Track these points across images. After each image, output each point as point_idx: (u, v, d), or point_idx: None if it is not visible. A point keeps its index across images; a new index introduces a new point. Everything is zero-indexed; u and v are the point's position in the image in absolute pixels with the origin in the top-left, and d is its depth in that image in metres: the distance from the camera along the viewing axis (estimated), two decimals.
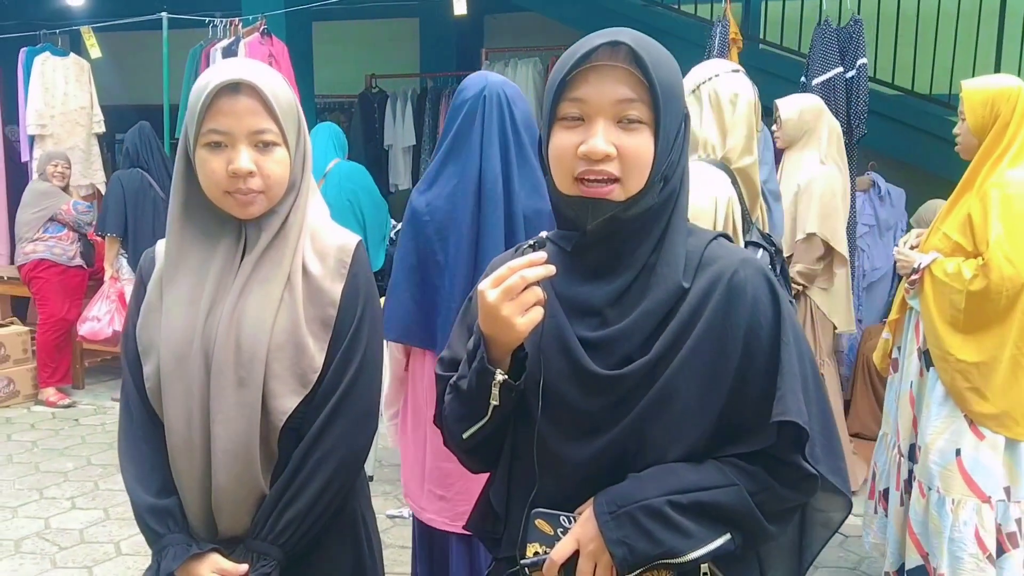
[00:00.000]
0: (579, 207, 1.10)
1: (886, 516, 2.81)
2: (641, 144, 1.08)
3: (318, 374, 1.37)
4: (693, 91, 2.15)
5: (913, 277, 2.62)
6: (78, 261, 5.36)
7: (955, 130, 2.66)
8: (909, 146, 5.20)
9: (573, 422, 1.13)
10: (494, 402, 1.11)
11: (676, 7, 6.07)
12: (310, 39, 6.71)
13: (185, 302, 1.37)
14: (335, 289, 1.40)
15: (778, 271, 2.14)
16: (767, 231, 2.28)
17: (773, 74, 5.32)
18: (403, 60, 8.33)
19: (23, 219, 5.27)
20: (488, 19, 8.23)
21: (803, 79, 4.57)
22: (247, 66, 1.34)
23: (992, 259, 2.42)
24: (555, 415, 1.13)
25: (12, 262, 5.83)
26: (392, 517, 3.75)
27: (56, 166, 5.35)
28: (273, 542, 1.36)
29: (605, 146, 1.06)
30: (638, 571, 1.10)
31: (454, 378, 1.19)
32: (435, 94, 7.75)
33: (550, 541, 1.14)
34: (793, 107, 3.68)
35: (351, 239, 1.45)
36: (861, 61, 4.36)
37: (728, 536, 1.11)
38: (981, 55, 5.20)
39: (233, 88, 1.31)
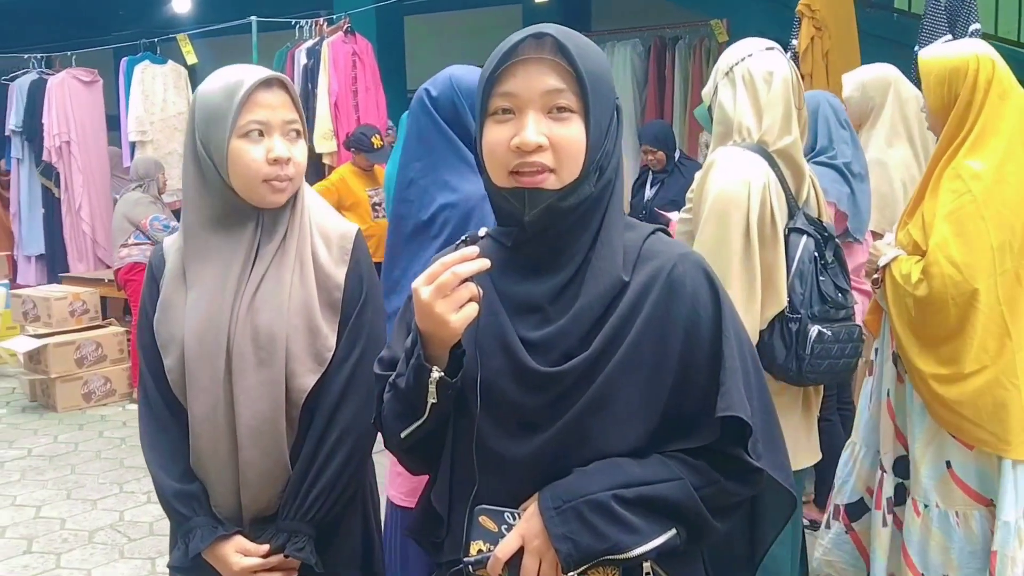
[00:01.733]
0: (515, 197, 1.10)
1: (845, 533, 2.53)
2: (572, 133, 1.08)
3: (332, 352, 1.47)
4: (727, 73, 2.06)
5: (875, 275, 2.31)
6: None
7: (920, 108, 2.31)
8: None
9: (513, 419, 1.13)
10: (431, 400, 1.11)
11: None
12: (402, 34, 6.66)
13: (210, 293, 1.45)
14: (339, 273, 1.50)
15: (830, 259, 1.98)
16: (821, 215, 2.09)
17: (882, 37, 4.70)
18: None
19: (116, 226, 5.53)
20: (595, 0, 7.89)
21: (916, 48, 3.98)
22: (261, 68, 1.45)
23: (933, 263, 2.10)
24: (494, 413, 1.13)
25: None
26: None
27: (163, 178, 5.57)
28: (303, 519, 1.45)
29: (536, 137, 1.07)
30: (583, 568, 1.10)
31: (392, 376, 1.18)
32: None
33: (494, 539, 1.13)
34: (855, 82, 3.20)
35: (350, 227, 1.56)
36: (974, 27, 3.75)
37: (673, 531, 1.11)
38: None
39: (267, 84, 1.42)
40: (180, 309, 1.46)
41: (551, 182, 1.08)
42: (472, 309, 1.06)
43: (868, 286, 2.43)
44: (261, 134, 1.41)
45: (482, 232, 1.15)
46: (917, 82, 2.43)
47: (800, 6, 4.37)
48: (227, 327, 1.43)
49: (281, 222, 1.46)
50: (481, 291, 1.08)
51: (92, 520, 3.82)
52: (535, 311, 1.13)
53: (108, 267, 6.54)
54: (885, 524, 2.39)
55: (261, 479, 1.45)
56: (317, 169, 5.50)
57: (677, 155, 4.82)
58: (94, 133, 6.68)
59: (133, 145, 6.29)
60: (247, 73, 1.42)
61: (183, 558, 1.45)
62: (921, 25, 3.99)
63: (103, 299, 6.01)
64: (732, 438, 1.10)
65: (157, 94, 6.33)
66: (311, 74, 5.59)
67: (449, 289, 1.04)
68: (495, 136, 1.10)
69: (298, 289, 1.45)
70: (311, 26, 5.82)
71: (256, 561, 1.45)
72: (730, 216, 1.90)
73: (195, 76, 6.64)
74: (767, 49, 2.04)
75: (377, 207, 5.44)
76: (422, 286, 1.06)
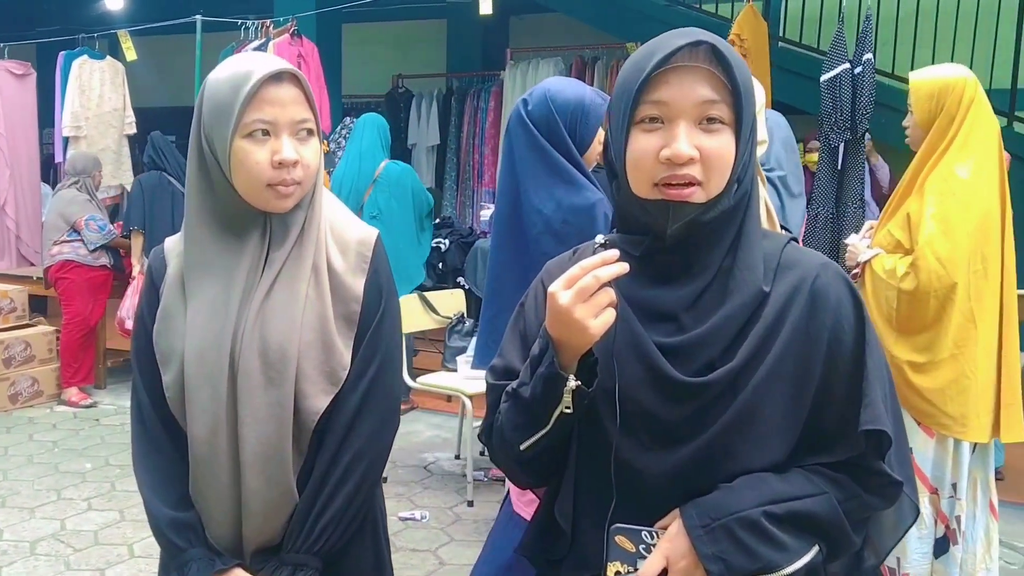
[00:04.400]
0: (659, 211, 1.06)
1: None
2: (723, 145, 1.05)
3: (347, 371, 1.34)
4: None
5: (855, 271, 2.57)
6: (103, 261, 5.45)
7: (904, 122, 2.58)
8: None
9: (651, 432, 1.08)
10: (567, 410, 1.06)
11: (698, 6, 6.13)
12: (339, 40, 6.86)
13: (211, 306, 1.32)
14: (357, 284, 1.37)
15: None
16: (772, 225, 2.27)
17: (793, 72, 5.37)
18: (430, 60, 8.46)
19: (49, 223, 5.42)
20: (513, 20, 8.32)
21: (821, 78, 4.62)
22: (274, 57, 1.32)
23: (921, 258, 2.36)
24: (631, 424, 1.07)
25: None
26: (404, 519, 3.73)
27: (97, 175, 5.54)
28: (309, 550, 1.33)
29: (689, 149, 1.03)
30: None
31: (512, 386, 1.12)
32: (460, 94, 7.86)
33: (631, 559, 1.08)
34: None
35: (370, 232, 1.42)
36: (867, 56, 4.38)
37: (817, 548, 1.07)
38: (1002, 47, 5.20)
39: (277, 78, 1.27)
40: (182, 320, 1.33)
41: (697, 196, 1.05)
42: (611, 315, 1.02)
43: None
44: (267, 133, 1.27)
45: (600, 239, 1.09)
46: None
47: (731, 35, 4.97)
48: (232, 342, 1.30)
49: (293, 227, 1.33)
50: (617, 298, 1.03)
51: (32, 530, 3.63)
52: (668, 319, 1.09)
53: (32, 264, 6.38)
54: None
55: (265, 509, 1.33)
56: None
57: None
58: (24, 127, 6.49)
59: (66, 140, 6.17)
60: (256, 64, 1.27)
61: None
62: (827, 54, 4.61)
63: (31, 297, 5.84)
64: (871, 450, 1.07)
65: (94, 90, 6.23)
66: None
67: (589, 294, 1.00)
68: (642, 145, 1.05)
69: (313, 301, 1.33)
70: (257, 27, 5.92)
71: None
72: None
73: (133, 73, 6.66)
74: None
75: None
76: (560, 290, 1.02)
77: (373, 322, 1.37)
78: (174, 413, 1.35)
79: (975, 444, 2.47)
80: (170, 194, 5.39)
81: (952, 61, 5.25)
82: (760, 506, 1.04)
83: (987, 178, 2.41)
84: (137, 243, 5.37)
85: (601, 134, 2.19)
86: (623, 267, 1.01)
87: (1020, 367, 2.52)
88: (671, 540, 1.06)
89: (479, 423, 4.48)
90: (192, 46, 5.93)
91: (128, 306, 5.32)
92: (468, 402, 3.86)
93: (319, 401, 1.33)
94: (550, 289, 1.04)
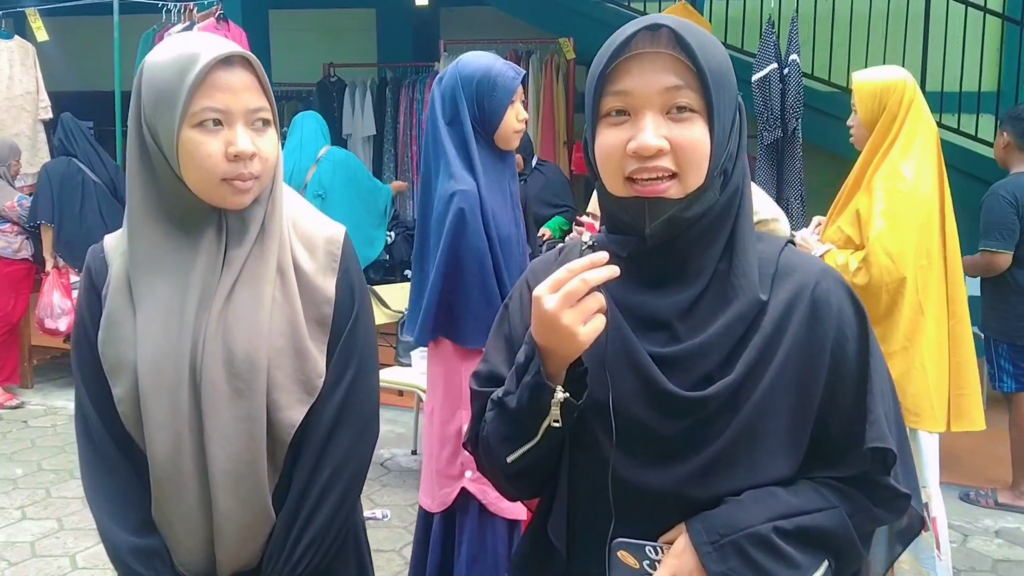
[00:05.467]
0: (634, 209, 1.00)
1: None
2: (694, 134, 0.98)
3: (323, 379, 1.26)
4: None
5: None
6: (24, 254, 5.24)
7: (848, 122, 2.65)
8: (842, 140, 5.37)
9: (648, 447, 1.03)
10: (555, 423, 1.00)
11: (627, 4, 6.16)
12: (267, 27, 6.69)
13: (165, 311, 1.21)
14: (328, 285, 1.28)
15: None
16: None
17: None
18: (361, 50, 8.32)
19: None
20: (445, 11, 8.27)
21: (751, 80, 4.70)
22: (221, 39, 1.22)
23: (872, 253, 2.43)
24: (626, 439, 1.02)
25: None
26: (366, 519, 3.70)
27: (16, 164, 5.27)
28: (291, 573, 1.25)
29: (656, 140, 0.97)
30: None
31: (497, 394, 1.07)
32: (395, 84, 7.76)
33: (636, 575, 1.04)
34: None
35: (338, 229, 1.34)
36: (792, 57, 4.49)
37: (827, 564, 1.04)
38: (909, 53, 5.39)
39: (227, 62, 1.17)
40: (130, 326, 1.22)
41: (673, 191, 0.99)
42: (600, 322, 0.97)
43: None
44: (219, 123, 1.16)
45: (587, 238, 1.05)
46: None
47: None
48: (191, 351, 1.20)
49: (251, 223, 1.23)
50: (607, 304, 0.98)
51: None
52: (661, 327, 1.03)
53: None
54: None
55: (240, 531, 1.25)
56: None
57: (534, 161, 5.31)
58: None
59: None
60: (203, 47, 1.16)
61: None
62: (756, 55, 4.70)
63: None
64: (877, 465, 1.04)
65: (2, 71, 5.92)
66: None
67: (577, 298, 0.95)
68: (609, 140, 1.00)
69: (280, 304, 1.24)
70: (180, 10, 5.72)
71: None
72: None
73: (45, 55, 6.37)
74: None
75: None
76: (546, 294, 0.96)
77: (347, 325, 1.29)
78: (129, 429, 1.24)
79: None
80: (79, 183, 5.18)
81: (865, 65, 5.50)
82: (770, 521, 1.00)
83: (928, 175, 2.51)
84: (47, 238, 5.15)
85: (520, 110, 2.19)
86: (613, 270, 0.96)
87: (973, 358, 2.61)
88: (678, 556, 1.01)
89: None
90: (110, 28, 5.70)
91: (45, 304, 5.10)
92: (424, 397, 3.79)
93: (294, 412, 1.24)
94: (535, 292, 0.98)
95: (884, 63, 5.19)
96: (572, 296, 0.95)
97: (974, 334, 2.66)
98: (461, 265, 2.14)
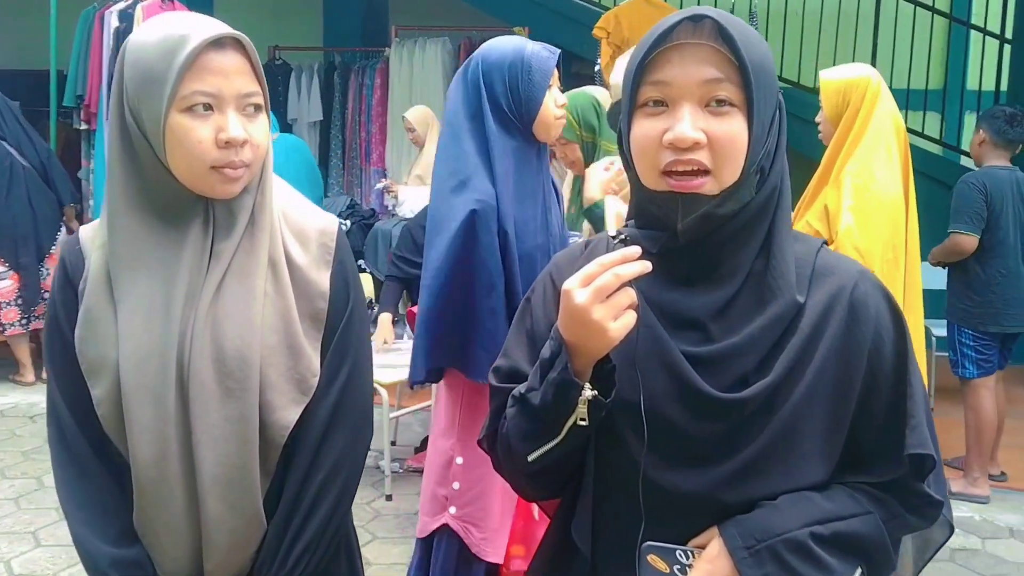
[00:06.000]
0: (667, 203, 0.98)
1: None
2: (733, 128, 0.96)
3: (318, 378, 1.21)
4: None
5: None
6: None
7: (816, 118, 2.70)
8: (797, 136, 5.44)
9: (680, 449, 1.00)
10: (581, 421, 0.97)
11: None
12: (211, 7, 6.46)
13: (148, 307, 1.15)
14: (323, 279, 1.23)
15: None
16: None
17: None
18: (306, 33, 8.10)
19: None
20: None
21: None
22: (210, 19, 1.16)
23: (841, 248, 2.42)
24: (657, 440, 0.99)
25: None
26: None
27: None
28: None
29: (693, 132, 0.95)
30: None
31: (519, 390, 1.04)
32: (344, 69, 7.59)
33: None
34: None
35: (331, 220, 1.29)
36: None
37: (860, 571, 1.03)
38: (860, 52, 5.50)
39: (218, 44, 1.11)
40: (111, 323, 1.16)
41: (708, 187, 0.97)
42: (631, 318, 0.94)
43: None
44: (209, 108, 1.11)
45: (613, 233, 1.02)
46: None
47: (596, 30, 4.96)
48: (178, 349, 1.14)
49: (240, 214, 1.17)
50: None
51: None
52: (694, 327, 1.01)
53: None
54: None
55: (231, 539, 1.19)
56: None
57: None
58: None
59: None
60: (193, 27, 1.11)
61: None
62: None
63: None
64: (913, 471, 1.04)
65: None
66: (123, 39, 5.31)
67: (608, 293, 0.93)
68: (645, 131, 0.98)
69: (273, 299, 1.18)
70: None
71: None
72: None
73: None
74: None
75: None
76: (576, 288, 0.94)
77: (342, 321, 1.24)
78: (109, 433, 1.18)
79: None
80: (7, 167, 4.92)
81: (816, 62, 5.58)
82: (806, 527, 0.99)
83: (893, 170, 2.55)
84: None
85: (557, 95, 1.99)
86: (645, 265, 0.94)
87: (923, 352, 2.62)
88: (711, 561, 0.99)
89: (395, 413, 4.36)
90: (46, 5, 5.44)
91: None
92: (384, 392, 3.71)
93: (288, 413, 1.19)
94: (564, 286, 0.95)
95: (835, 61, 5.30)
96: (603, 291, 0.93)
97: (928, 328, 2.72)
98: (471, 287, 1.91)
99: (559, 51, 2.00)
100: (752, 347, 0.99)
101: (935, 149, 5.99)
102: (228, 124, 1.11)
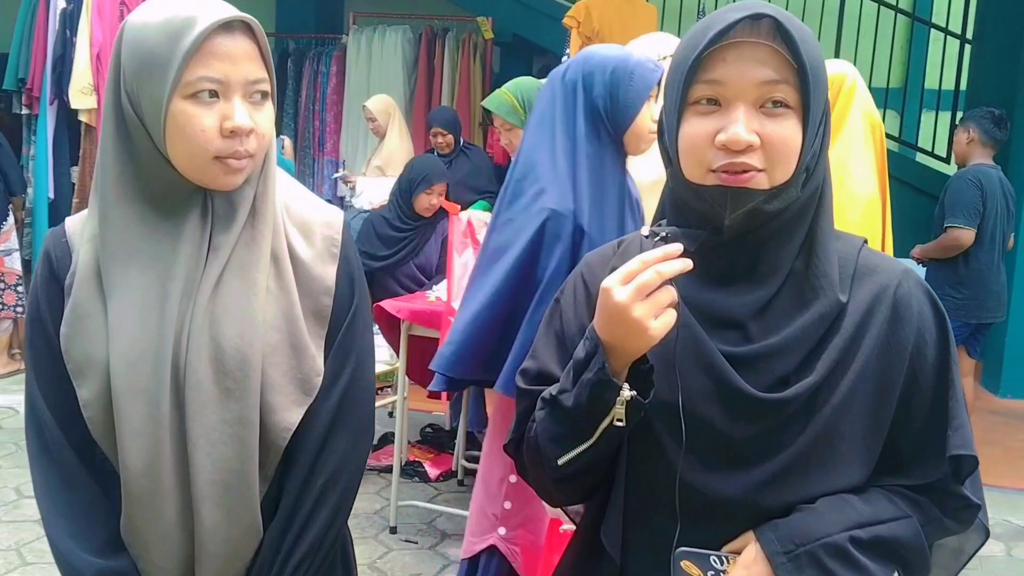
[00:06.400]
0: (716, 197, 0.95)
1: None
2: (788, 131, 0.95)
3: (321, 378, 1.16)
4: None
5: None
6: None
7: None
8: None
9: (717, 451, 0.99)
10: (618, 422, 0.95)
11: None
12: None
13: (142, 303, 1.09)
14: (328, 274, 1.18)
15: None
16: None
17: None
18: (258, 18, 7.75)
19: None
20: None
21: None
22: (219, 1, 1.09)
23: None
24: (694, 442, 0.98)
25: None
26: None
27: None
28: None
29: (747, 135, 0.93)
30: None
31: (550, 392, 1.01)
32: (298, 56, 7.36)
33: None
34: None
35: (335, 213, 1.23)
36: None
37: (896, 574, 1.02)
38: (823, 47, 5.51)
39: (227, 28, 1.05)
40: (101, 321, 1.10)
41: (759, 181, 0.95)
42: (672, 316, 0.93)
43: None
44: (215, 95, 1.06)
45: (645, 232, 0.99)
46: None
47: (567, 19, 4.87)
48: (174, 348, 1.08)
49: (240, 205, 1.12)
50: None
51: None
52: (733, 327, 0.99)
53: None
54: None
55: (226, 549, 1.13)
56: (75, 132, 5.01)
57: (461, 141, 5.13)
58: None
59: None
60: (200, 8, 1.05)
61: None
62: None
63: None
64: (952, 474, 1.03)
65: None
66: (70, 20, 5.00)
67: (649, 291, 0.91)
68: (696, 130, 0.96)
69: (275, 295, 1.13)
70: None
71: None
72: None
73: None
74: None
75: None
76: (617, 285, 0.92)
77: (346, 318, 1.19)
78: (96, 437, 1.12)
79: None
80: None
81: None
82: (845, 531, 0.97)
83: (868, 167, 2.55)
84: None
85: (655, 110, 1.91)
86: (687, 263, 0.92)
87: None
88: (748, 567, 0.97)
89: None
90: None
91: None
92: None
93: (290, 415, 1.13)
94: (604, 284, 0.94)
95: None
96: (645, 288, 0.91)
97: None
98: (530, 296, 1.80)
99: (662, 68, 1.94)
100: (793, 347, 0.98)
101: (892, 146, 6.05)
102: (234, 112, 1.06)
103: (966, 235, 3.94)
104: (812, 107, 0.95)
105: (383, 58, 6.88)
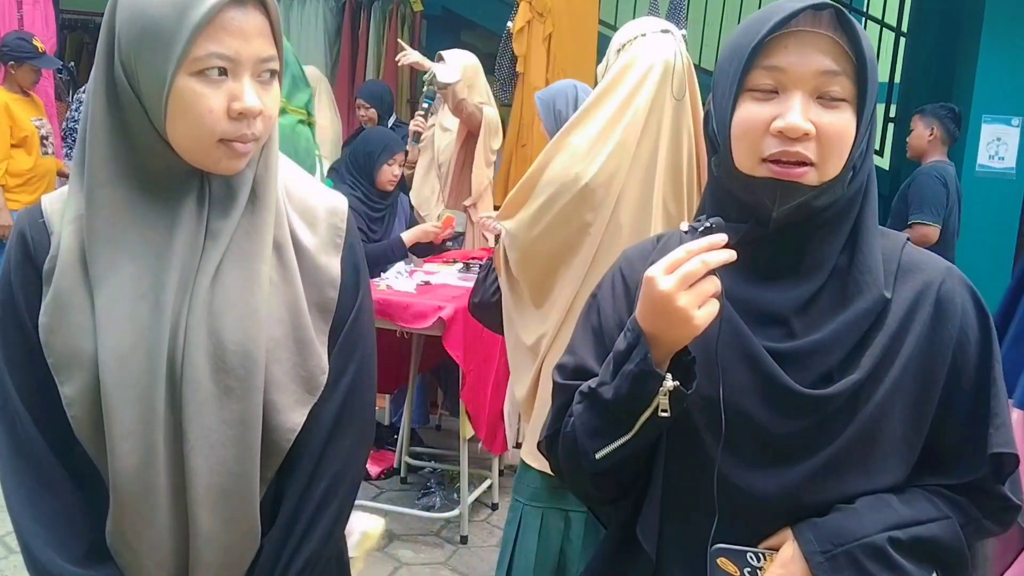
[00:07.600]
0: (765, 190, 0.95)
1: None
2: (843, 123, 0.95)
3: (327, 375, 1.10)
4: (618, 50, 1.96)
5: None
6: None
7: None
8: None
9: (758, 447, 0.99)
10: (663, 412, 0.94)
11: None
12: None
13: (133, 293, 1.02)
14: (333, 264, 1.13)
15: None
16: None
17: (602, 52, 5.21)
18: None
19: None
20: None
21: None
22: None
23: None
24: (735, 438, 0.98)
25: None
26: None
27: None
28: None
29: (804, 123, 0.93)
30: None
31: (588, 385, 1.01)
32: None
33: None
34: None
35: (339, 199, 1.17)
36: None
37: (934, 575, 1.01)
38: None
39: (240, 1, 0.97)
40: (87, 311, 1.02)
41: (810, 177, 0.95)
42: (715, 307, 0.93)
43: None
44: (223, 73, 0.98)
45: (684, 227, 0.97)
46: None
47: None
48: (170, 342, 1.02)
49: (240, 189, 1.05)
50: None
51: None
52: (776, 322, 0.99)
53: None
54: None
55: (223, 556, 1.08)
56: None
57: (392, 119, 4.79)
58: None
59: None
60: None
61: None
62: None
63: None
64: (992, 473, 1.02)
65: None
66: None
67: (694, 280, 0.91)
68: (752, 115, 0.95)
69: (279, 286, 1.07)
70: None
71: None
72: None
73: None
74: (661, 32, 1.95)
75: (45, 140, 4.59)
76: (661, 275, 0.91)
77: (351, 312, 1.14)
78: (81, 438, 1.04)
79: None
80: None
81: (718, 48, 5.55)
82: (885, 531, 0.97)
83: None
84: None
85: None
86: (731, 253, 0.93)
87: None
88: (785, 566, 0.98)
89: None
90: None
91: None
92: None
93: (294, 415, 1.08)
94: (648, 274, 0.94)
95: None
96: (689, 277, 0.91)
97: None
98: None
99: None
100: (837, 343, 0.98)
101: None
102: (243, 92, 0.99)
103: (933, 231, 3.94)
104: (868, 101, 0.96)
105: (303, 27, 6.48)
